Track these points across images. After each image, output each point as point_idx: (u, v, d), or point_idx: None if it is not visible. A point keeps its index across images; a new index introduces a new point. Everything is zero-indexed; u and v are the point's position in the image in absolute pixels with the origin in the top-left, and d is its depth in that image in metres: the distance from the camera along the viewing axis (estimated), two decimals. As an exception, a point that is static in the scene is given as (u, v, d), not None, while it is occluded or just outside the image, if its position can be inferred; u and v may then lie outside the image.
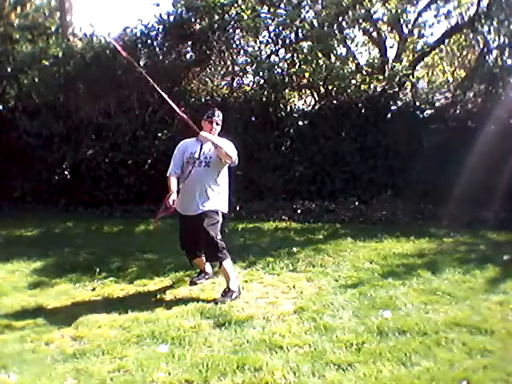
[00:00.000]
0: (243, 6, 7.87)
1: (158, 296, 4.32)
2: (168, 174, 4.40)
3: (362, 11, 7.97)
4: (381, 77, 8.12)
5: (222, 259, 4.20)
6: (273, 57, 8.49)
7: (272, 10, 8.17)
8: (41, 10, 11.03)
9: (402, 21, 8.24)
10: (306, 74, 8.14)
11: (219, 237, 4.19)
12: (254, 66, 8.24)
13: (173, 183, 4.32)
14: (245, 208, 7.56)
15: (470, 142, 6.87)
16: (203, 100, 8.48)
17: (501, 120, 7.43)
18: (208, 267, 4.73)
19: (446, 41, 8.87)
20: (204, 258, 4.46)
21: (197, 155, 4.27)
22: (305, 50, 8.05)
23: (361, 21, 8.14)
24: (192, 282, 4.65)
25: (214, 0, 7.76)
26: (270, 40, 8.39)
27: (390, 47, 8.76)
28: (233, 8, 8.00)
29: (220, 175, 4.31)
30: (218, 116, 4.32)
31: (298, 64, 8.17)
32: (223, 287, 4.45)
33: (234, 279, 4.30)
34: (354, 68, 8.42)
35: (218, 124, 4.31)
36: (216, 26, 8.05)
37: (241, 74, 8.65)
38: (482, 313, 3.74)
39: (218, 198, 4.28)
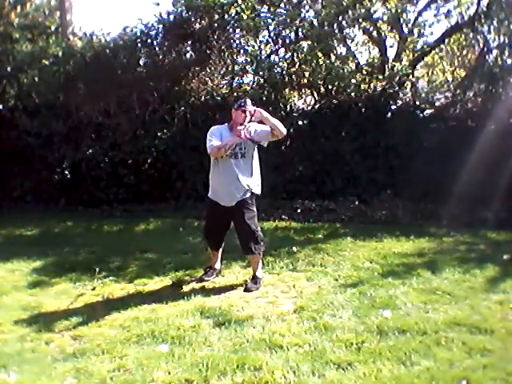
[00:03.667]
0: (243, 6, 7.85)
1: (158, 295, 4.32)
2: (211, 148, 4.24)
3: (362, 11, 7.95)
4: (381, 76, 8.11)
5: (259, 252, 4.39)
6: (273, 56, 8.47)
7: (272, 9, 8.16)
8: (41, 9, 11.02)
9: (401, 20, 8.22)
10: (306, 74, 8.14)
11: (258, 229, 4.36)
12: (253, 66, 8.23)
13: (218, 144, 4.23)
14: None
15: (470, 141, 6.87)
16: (203, 99, 8.48)
17: (501, 119, 7.43)
18: (218, 264, 4.79)
19: (446, 40, 8.86)
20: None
21: (232, 148, 4.28)
22: (305, 50, 8.04)
23: (361, 20, 8.11)
24: (201, 279, 4.68)
25: (213, 0, 7.76)
26: (270, 39, 8.37)
27: (390, 47, 8.76)
28: (233, 7, 7.98)
29: (254, 161, 4.40)
30: (250, 105, 4.31)
31: (298, 63, 8.17)
32: (223, 287, 4.47)
33: (261, 268, 4.53)
34: (353, 67, 8.41)
35: (250, 112, 4.27)
36: (216, 25, 8.03)
37: (241, 73, 8.64)
38: (481, 312, 3.74)
39: (252, 183, 4.38)
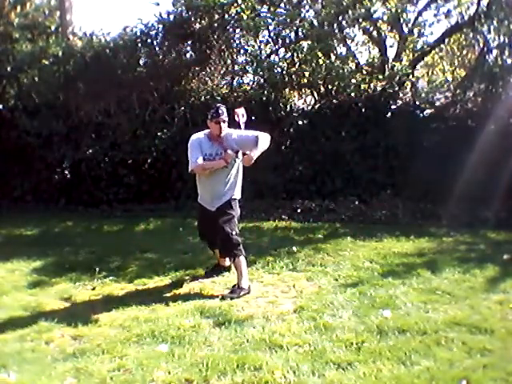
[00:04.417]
0: (243, 6, 7.87)
1: (158, 295, 4.31)
2: (195, 166, 4.25)
3: (362, 10, 7.95)
4: (381, 76, 8.12)
5: (235, 255, 4.27)
6: (273, 56, 8.49)
7: (272, 9, 8.16)
8: (41, 9, 11.03)
9: (401, 20, 8.23)
10: (306, 74, 8.14)
11: (234, 232, 4.24)
12: (253, 66, 8.24)
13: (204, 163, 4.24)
14: (244, 207, 7.54)
15: (470, 141, 6.87)
16: (203, 99, 8.48)
17: (501, 119, 7.43)
18: (226, 261, 4.78)
19: (446, 40, 8.87)
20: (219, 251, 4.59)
21: (212, 158, 4.28)
22: (305, 50, 8.05)
23: (361, 20, 8.12)
24: (207, 274, 4.78)
25: (213, 0, 7.76)
26: (270, 39, 8.39)
27: (390, 46, 8.77)
28: (233, 7, 7.99)
29: (234, 168, 4.37)
30: (223, 113, 4.23)
31: (298, 63, 8.17)
32: (223, 286, 4.46)
33: (246, 277, 4.33)
34: (353, 67, 8.41)
35: (224, 122, 4.24)
36: (216, 25, 8.05)
37: (241, 73, 8.64)
38: (481, 312, 3.74)
39: (232, 188, 4.37)
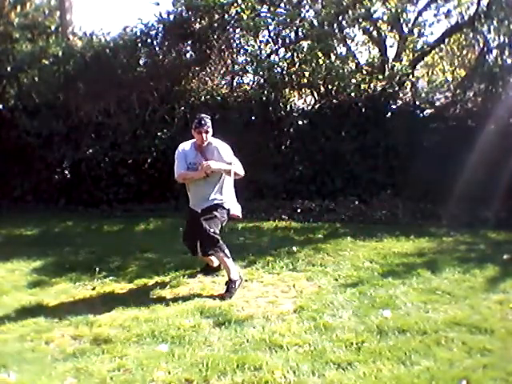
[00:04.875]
0: (243, 6, 7.87)
1: (158, 295, 4.33)
2: (178, 175, 4.40)
3: (362, 10, 7.96)
4: (381, 76, 8.12)
5: (215, 251, 4.31)
6: (273, 56, 8.49)
7: (272, 9, 8.17)
8: (41, 9, 11.04)
9: (401, 20, 8.23)
10: (306, 74, 8.15)
11: (212, 230, 4.24)
12: (253, 66, 8.24)
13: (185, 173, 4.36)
14: (245, 207, 7.54)
15: (470, 141, 6.87)
16: (203, 99, 8.48)
17: (501, 119, 7.44)
18: (215, 262, 4.78)
19: (446, 40, 8.87)
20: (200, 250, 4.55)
21: (196, 166, 4.32)
22: (305, 50, 8.05)
23: (361, 20, 8.12)
24: (200, 273, 4.85)
25: (213, 0, 7.76)
26: (270, 39, 8.39)
27: (390, 46, 8.77)
28: (233, 7, 7.99)
29: (222, 176, 4.39)
30: (206, 123, 4.27)
31: (298, 63, 8.17)
32: (223, 286, 4.46)
33: (233, 268, 4.40)
34: (353, 67, 8.41)
35: (207, 132, 4.28)
36: (216, 25, 8.05)
37: (241, 73, 8.65)
38: (481, 312, 3.74)
39: (219, 196, 4.39)
